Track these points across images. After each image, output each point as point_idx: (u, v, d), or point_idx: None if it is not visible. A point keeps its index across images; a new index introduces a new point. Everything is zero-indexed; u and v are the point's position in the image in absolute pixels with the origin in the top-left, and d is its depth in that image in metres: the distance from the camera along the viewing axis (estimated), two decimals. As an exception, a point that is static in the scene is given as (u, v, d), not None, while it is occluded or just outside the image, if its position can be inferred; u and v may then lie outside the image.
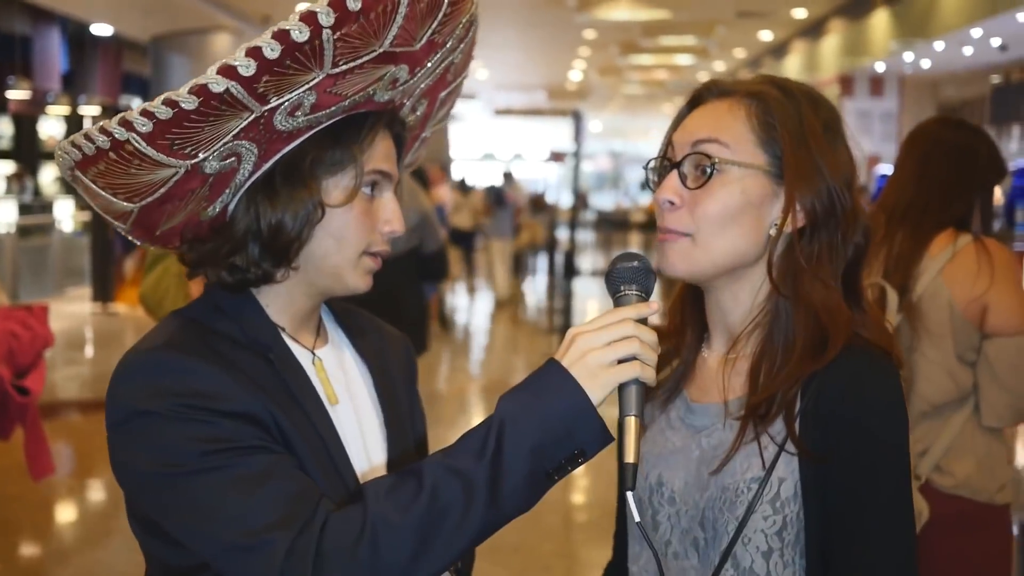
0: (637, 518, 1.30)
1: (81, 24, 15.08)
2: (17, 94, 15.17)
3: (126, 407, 1.35)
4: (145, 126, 1.27)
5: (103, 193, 1.38)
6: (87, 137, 1.31)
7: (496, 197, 15.76)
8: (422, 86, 1.54)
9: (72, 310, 13.13)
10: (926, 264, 2.68)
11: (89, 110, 16.01)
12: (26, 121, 16.42)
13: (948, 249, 2.67)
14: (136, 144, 1.29)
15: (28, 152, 16.58)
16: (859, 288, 1.48)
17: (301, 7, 1.26)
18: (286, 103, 1.33)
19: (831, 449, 1.36)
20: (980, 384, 2.65)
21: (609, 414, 1.31)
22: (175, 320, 1.47)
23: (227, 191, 1.42)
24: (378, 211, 1.49)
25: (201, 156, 1.33)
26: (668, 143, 1.52)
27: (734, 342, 1.50)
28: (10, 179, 15.27)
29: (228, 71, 1.25)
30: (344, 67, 1.33)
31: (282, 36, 1.25)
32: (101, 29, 15.31)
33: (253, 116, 1.32)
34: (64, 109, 16.41)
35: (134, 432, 1.35)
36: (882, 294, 2.67)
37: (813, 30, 17.80)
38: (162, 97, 1.26)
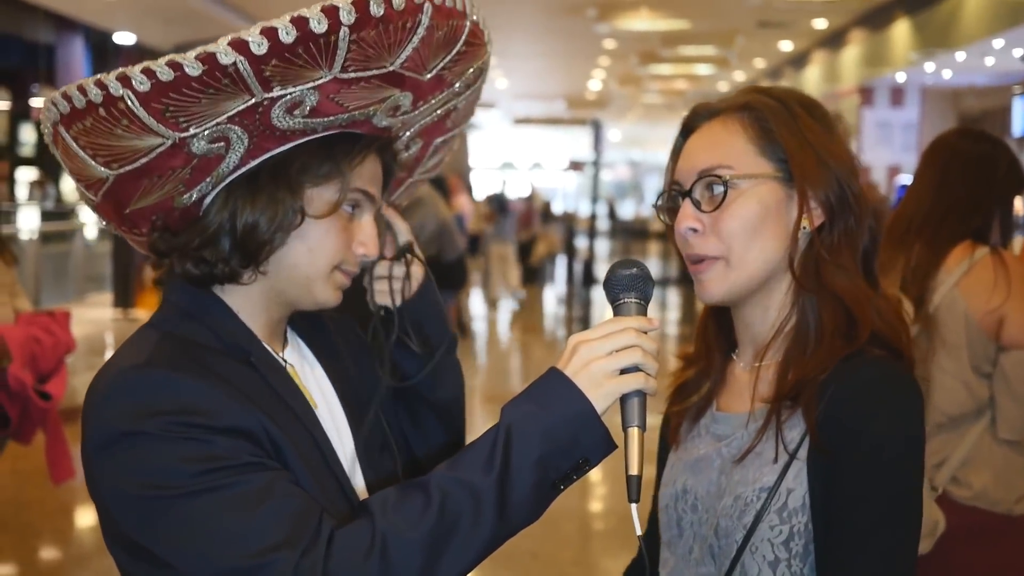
0: (640, 531, 1.30)
1: (104, 33, 15.18)
2: (41, 102, 15.28)
3: (110, 429, 1.29)
4: (143, 84, 1.23)
5: (81, 153, 1.33)
6: (80, 89, 1.27)
7: (498, 204, 15.87)
8: (422, 121, 1.54)
9: (93, 316, 13.20)
10: (943, 276, 2.68)
11: (111, 118, 16.11)
12: (49, 128, 16.54)
13: (965, 261, 2.67)
14: (129, 102, 1.25)
15: (51, 159, 16.66)
16: (875, 273, 1.50)
17: (335, 0, 1.25)
18: (288, 97, 1.31)
19: (840, 454, 1.37)
20: (996, 396, 2.64)
21: (614, 422, 1.30)
22: (149, 333, 1.42)
23: (208, 179, 1.38)
24: (355, 231, 1.47)
25: (192, 131, 1.29)
26: (673, 177, 1.53)
27: (763, 352, 1.50)
28: (33, 186, 15.38)
29: (239, 45, 1.23)
30: (352, 74, 1.31)
31: (300, 23, 1.23)
32: (124, 38, 15.42)
33: (253, 101, 1.29)
34: (87, 117, 16.51)
35: (120, 454, 1.29)
36: (898, 305, 2.66)
37: (833, 40, 17.76)
38: (167, 58, 1.23)
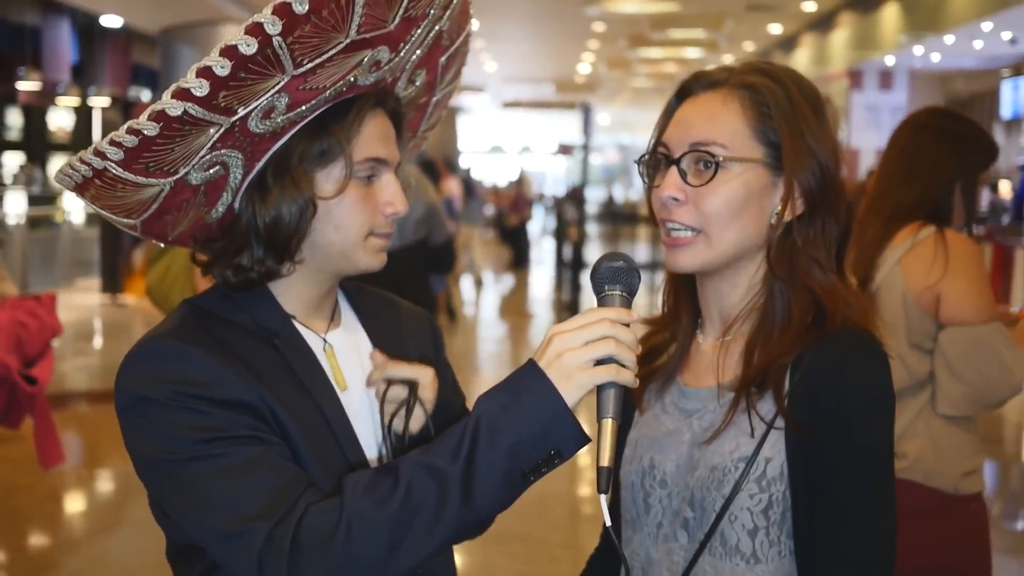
0: (609, 522, 1.31)
1: (91, 15, 15.11)
2: (27, 85, 15.22)
3: (130, 393, 1.38)
4: (116, 154, 1.30)
5: (104, 212, 1.42)
6: (72, 167, 1.34)
7: (466, 187, 15.91)
8: (412, 58, 1.53)
9: (81, 301, 13.16)
10: (887, 254, 2.71)
11: (99, 101, 16.06)
12: (36, 112, 16.47)
13: (909, 240, 2.69)
14: (114, 171, 1.32)
15: (38, 143, 16.62)
16: (843, 266, 1.51)
17: (255, 16, 1.26)
18: (256, 110, 1.33)
19: (818, 426, 1.38)
20: (936, 373, 2.66)
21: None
22: (185, 307, 1.48)
23: (224, 194, 1.43)
24: (378, 194, 1.48)
25: (181, 172, 1.35)
26: (660, 137, 1.52)
27: (728, 326, 1.51)
28: (19, 170, 15.32)
29: (182, 94, 1.26)
30: (309, 65, 1.32)
31: (230, 52, 1.25)
32: (111, 20, 15.35)
33: (223, 129, 1.32)
34: (74, 100, 16.45)
35: (136, 418, 1.38)
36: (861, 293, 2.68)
37: (823, 23, 17.76)
38: (126, 126, 1.28)
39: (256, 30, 1.25)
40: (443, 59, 1.62)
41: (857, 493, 1.38)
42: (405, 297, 1.75)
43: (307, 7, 1.25)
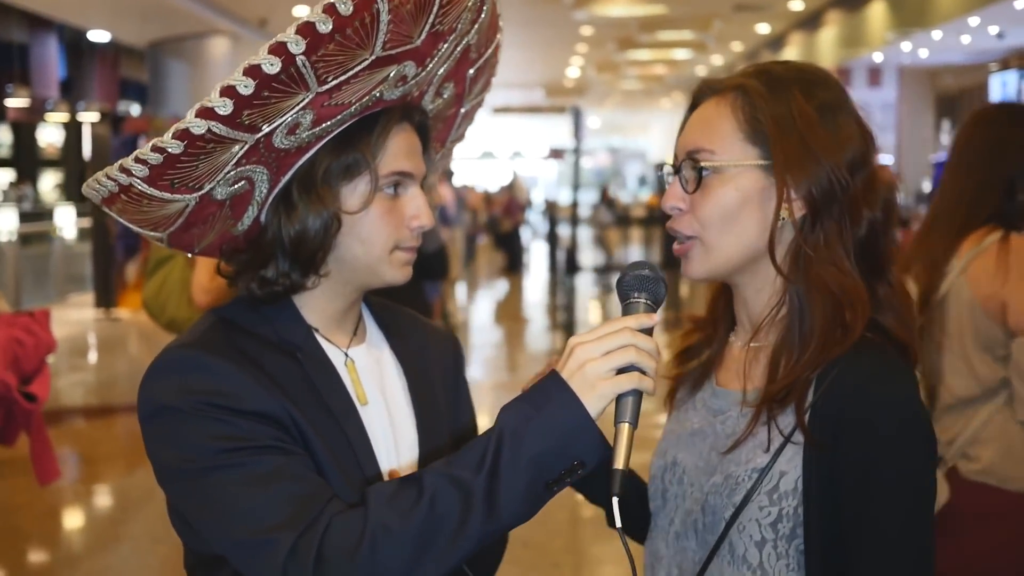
0: (619, 524, 1.30)
1: (78, 31, 15.11)
2: (16, 102, 15.20)
3: (154, 402, 1.39)
4: (141, 171, 1.31)
5: (131, 226, 1.44)
6: (98, 182, 1.35)
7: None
8: (440, 72, 1.53)
9: (75, 316, 13.13)
10: (954, 263, 2.67)
11: (88, 116, 16.03)
12: (25, 129, 16.45)
13: (974, 247, 2.65)
14: (139, 187, 1.33)
15: (28, 160, 16.59)
16: (881, 263, 1.46)
17: (283, 33, 1.26)
18: (280, 126, 1.34)
19: (839, 447, 1.36)
20: (1012, 380, 2.64)
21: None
22: (210, 318, 1.50)
23: (250, 207, 1.45)
24: (403, 208, 1.49)
25: (207, 187, 1.36)
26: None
27: (756, 331, 1.50)
28: (10, 187, 15.29)
29: (206, 112, 1.27)
30: (334, 82, 1.32)
31: (254, 71, 1.25)
32: (98, 35, 15.34)
33: (248, 145, 1.33)
34: (63, 116, 16.44)
35: (160, 427, 1.39)
36: (904, 291, 2.67)
37: (810, 22, 17.79)
38: (151, 143, 1.29)
39: (279, 49, 1.25)
40: (471, 71, 1.62)
41: (894, 523, 1.34)
42: (400, 304, 1.75)
43: (331, 27, 1.26)
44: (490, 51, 1.62)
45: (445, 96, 1.61)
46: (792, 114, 1.42)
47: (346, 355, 1.54)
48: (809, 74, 1.48)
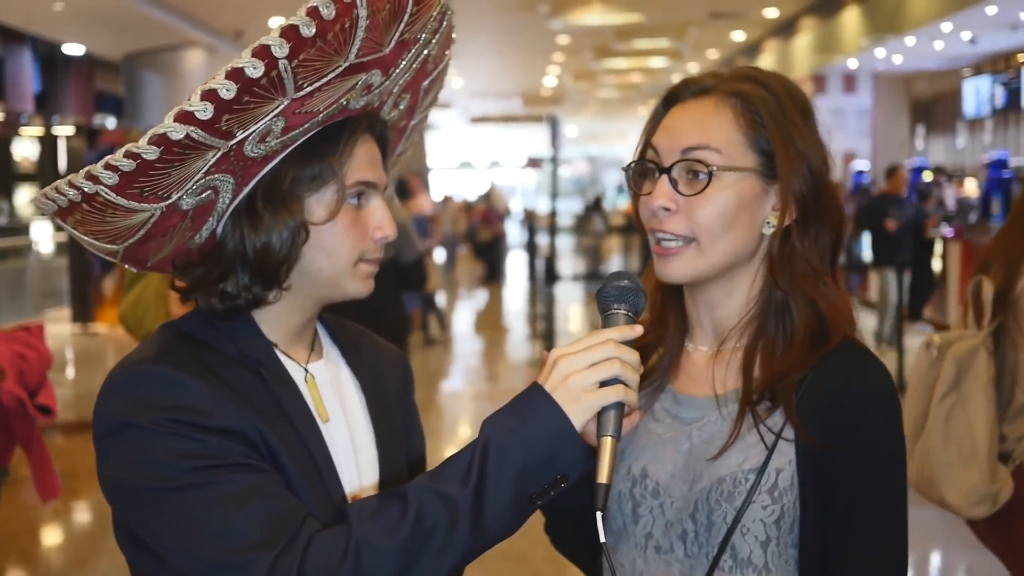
0: (603, 538, 1.30)
1: (52, 44, 15.02)
2: (-11, 118, 15.07)
3: (112, 419, 1.33)
4: (111, 178, 1.27)
5: (85, 238, 1.38)
6: (58, 191, 1.31)
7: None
8: (401, 82, 1.52)
9: (52, 331, 12.97)
10: None
11: (63, 130, 15.94)
12: None
13: None
14: (106, 195, 1.29)
15: (3, 174, 16.48)
16: (836, 269, 1.51)
17: (263, 39, 1.25)
18: (253, 133, 1.32)
19: (833, 438, 1.38)
20: None
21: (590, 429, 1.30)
22: (167, 332, 1.45)
23: (210, 219, 1.41)
24: (367, 219, 1.47)
25: (174, 197, 1.33)
26: (648, 144, 1.51)
27: (724, 336, 1.50)
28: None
29: (186, 117, 1.24)
30: (309, 89, 1.31)
31: (236, 75, 1.23)
32: (73, 49, 15.26)
33: (221, 152, 1.31)
34: (38, 130, 16.33)
35: (120, 444, 1.33)
36: (979, 288, 2.70)
37: (785, 29, 17.90)
38: (123, 149, 1.26)
39: (263, 52, 1.23)
40: (426, 83, 1.61)
41: (878, 502, 1.40)
42: (377, 317, 1.74)
43: (314, 30, 1.24)
44: (443, 65, 1.62)
45: (401, 107, 1.60)
46: (788, 122, 1.45)
47: (306, 371, 1.50)
48: (787, 80, 1.51)
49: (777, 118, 1.44)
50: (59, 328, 13.28)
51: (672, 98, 1.51)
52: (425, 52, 1.50)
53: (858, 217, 11.61)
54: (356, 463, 1.51)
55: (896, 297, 10.02)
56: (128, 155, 1.25)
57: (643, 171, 1.50)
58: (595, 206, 21.57)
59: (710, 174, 1.42)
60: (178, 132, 1.25)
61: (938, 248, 11.95)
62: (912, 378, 2.78)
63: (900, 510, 1.42)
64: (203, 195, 1.36)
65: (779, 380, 1.41)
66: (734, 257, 1.46)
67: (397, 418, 1.61)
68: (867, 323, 12.69)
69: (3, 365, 3.40)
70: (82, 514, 6.39)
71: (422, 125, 1.76)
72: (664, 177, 1.45)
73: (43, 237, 14.63)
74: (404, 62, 1.46)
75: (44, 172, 17.00)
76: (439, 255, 12.44)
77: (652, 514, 1.49)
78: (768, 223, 1.45)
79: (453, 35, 1.58)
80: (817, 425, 1.39)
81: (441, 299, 12.87)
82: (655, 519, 1.48)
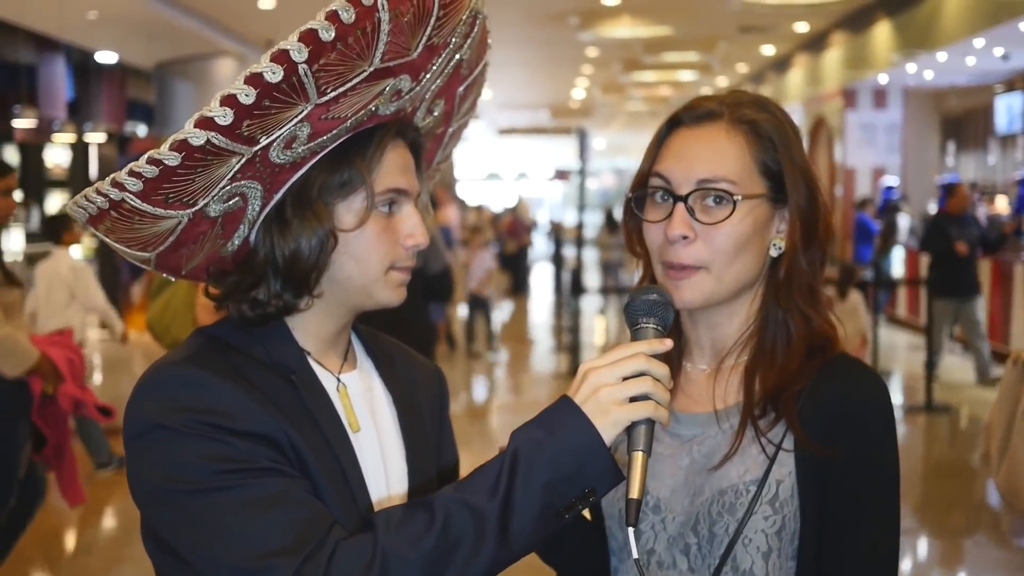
0: (636, 554, 1.30)
1: (86, 52, 15.17)
2: (23, 123, 15.23)
3: (142, 420, 1.34)
4: (135, 185, 1.27)
5: (117, 245, 1.39)
6: (87, 198, 1.32)
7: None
8: (432, 87, 1.51)
9: (80, 337, 13.11)
10: None
11: (95, 137, 16.07)
12: (32, 149, 16.48)
13: None
14: (132, 202, 1.29)
15: (35, 180, 16.62)
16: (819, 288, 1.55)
17: (281, 44, 1.24)
18: (278, 139, 1.31)
19: (831, 446, 1.40)
20: None
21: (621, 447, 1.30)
22: (200, 337, 1.45)
23: (241, 226, 1.41)
24: (398, 226, 1.46)
25: (201, 203, 1.33)
26: (653, 170, 1.50)
27: (724, 355, 1.52)
28: (17, 207, 15.32)
29: (206, 123, 1.24)
30: (333, 94, 1.30)
31: (255, 80, 1.23)
32: (105, 57, 15.40)
33: (245, 158, 1.30)
34: (70, 137, 16.47)
35: (148, 445, 1.33)
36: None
37: (815, 43, 17.82)
38: (146, 156, 1.26)
39: (282, 57, 1.23)
40: (461, 89, 1.60)
41: (874, 507, 1.42)
42: (404, 327, 1.74)
43: (333, 34, 1.24)
44: (479, 69, 1.61)
45: (435, 114, 1.59)
46: (791, 147, 1.48)
47: (338, 380, 1.50)
48: (776, 104, 1.54)
49: (787, 145, 1.47)
50: (88, 333, 13.36)
51: (676, 121, 1.51)
52: (457, 56, 1.49)
53: (923, 239, 10.72)
54: (385, 474, 1.50)
55: (979, 327, 9.78)
56: (151, 161, 1.26)
57: (643, 195, 1.50)
58: (609, 220, 21.43)
59: (734, 204, 1.43)
60: (199, 138, 1.25)
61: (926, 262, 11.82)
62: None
63: (892, 517, 1.44)
64: (231, 202, 1.36)
65: (781, 392, 1.43)
66: (743, 281, 1.48)
67: (429, 432, 1.61)
68: (895, 340, 12.55)
69: (60, 367, 3.45)
70: (107, 520, 6.42)
71: (462, 132, 1.75)
72: (681, 205, 1.45)
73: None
74: (435, 67, 1.45)
75: (75, 179, 17.15)
76: (483, 265, 12.37)
77: (654, 530, 1.49)
78: (775, 245, 1.49)
79: (489, 40, 1.57)
80: (816, 434, 1.41)
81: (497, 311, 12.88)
82: (657, 535, 1.49)
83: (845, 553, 1.41)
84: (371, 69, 1.32)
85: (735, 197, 1.43)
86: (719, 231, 1.44)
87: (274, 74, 1.23)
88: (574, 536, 1.56)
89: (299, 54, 1.23)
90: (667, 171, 1.48)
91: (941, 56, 13.98)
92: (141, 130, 18.07)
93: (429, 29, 1.36)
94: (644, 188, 1.50)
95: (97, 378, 11.00)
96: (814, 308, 1.49)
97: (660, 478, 1.50)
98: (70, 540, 6.08)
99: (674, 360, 1.56)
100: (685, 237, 1.44)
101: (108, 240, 1.38)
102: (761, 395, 1.44)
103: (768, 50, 19.18)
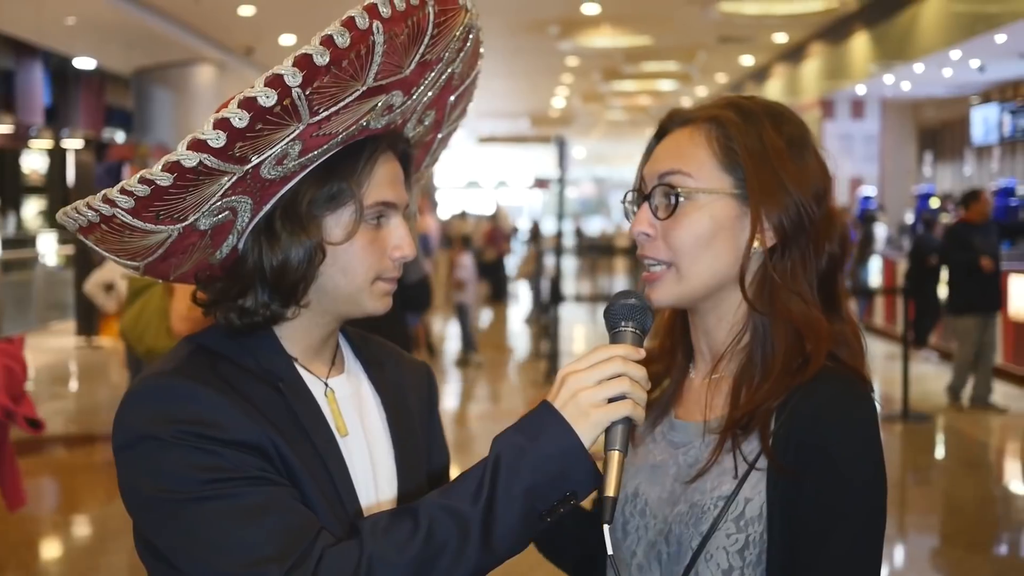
0: (611, 551, 1.30)
1: (64, 58, 15.09)
2: (0, 128, 15.14)
3: (131, 431, 1.35)
4: (126, 202, 1.28)
5: (107, 255, 1.40)
6: (77, 211, 1.32)
7: None
8: (424, 100, 1.52)
9: (56, 344, 13.05)
10: None
11: (72, 143, 16.00)
12: (9, 155, 16.42)
13: None
14: (123, 218, 1.30)
15: (11, 186, 16.55)
16: (837, 298, 1.49)
17: (280, 65, 1.24)
18: (269, 157, 1.32)
19: (802, 469, 1.37)
20: None
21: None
22: (188, 346, 1.46)
23: (230, 236, 1.42)
24: (386, 238, 1.47)
25: (191, 219, 1.34)
26: (640, 176, 1.53)
27: (717, 362, 1.51)
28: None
29: (199, 145, 1.25)
30: (325, 113, 1.31)
31: (249, 104, 1.24)
32: (84, 63, 15.33)
33: (236, 177, 1.31)
34: (47, 143, 16.41)
35: (138, 456, 1.34)
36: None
37: (794, 54, 17.93)
38: (138, 175, 1.27)
39: (276, 82, 1.24)
40: (452, 98, 1.61)
41: (850, 541, 1.36)
42: (380, 335, 1.74)
43: (328, 59, 1.24)
44: (471, 78, 1.62)
45: (426, 123, 1.60)
46: (765, 145, 1.44)
47: (326, 385, 1.51)
48: (776, 109, 1.51)
49: (750, 142, 1.44)
50: (63, 341, 13.29)
51: (662, 130, 1.54)
52: (449, 70, 1.50)
53: (943, 251, 10.12)
54: (374, 478, 1.51)
55: (975, 346, 9.31)
56: (142, 181, 1.26)
57: (637, 201, 1.53)
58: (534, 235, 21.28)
59: (678, 196, 1.43)
60: (191, 160, 1.25)
61: (944, 275, 11.87)
62: None
63: (867, 547, 1.37)
64: (220, 216, 1.37)
65: (757, 407, 1.41)
66: (716, 280, 1.46)
67: (418, 433, 1.62)
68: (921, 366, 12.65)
69: None
70: (81, 528, 6.38)
71: (449, 139, 1.76)
72: (645, 204, 1.47)
73: (49, 250, 14.66)
74: (427, 81, 1.46)
75: (52, 185, 17.07)
76: (467, 271, 12.38)
77: (638, 533, 1.50)
78: (755, 248, 1.45)
79: (481, 50, 1.58)
80: (788, 455, 1.37)
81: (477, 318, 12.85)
82: (640, 538, 1.50)
83: None
84: (364, 88, 1.33)
85: (677, 190, 1.44)
86: (673, 226, 1.44)
87: (268, 98, 1.24)
88: (569, 529, 1.58)
89: (293, 79, 1.24)
90: (644, 172, 1.51)
91: (918, 67, 14.10)
92: (119, 136, 18.00)
93: (423, 47, 1.37)
94: (633, 193, 1.53)
95: (73, 385, 10.93)
96: (799, 319, 1.43)
97: (651, 483, 1.51)
98: (44, 548, 6.03)
99: (682, 367, 1.57)
100: (647, 235, 1.46)
101: (98, 249, 1.40)
102: (741, 411, 1.42)
103: (747, 60, 19.29)
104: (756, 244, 1.44)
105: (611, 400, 1.30)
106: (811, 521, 1.36)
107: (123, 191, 1.28)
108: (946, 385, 9.60)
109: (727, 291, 1.48)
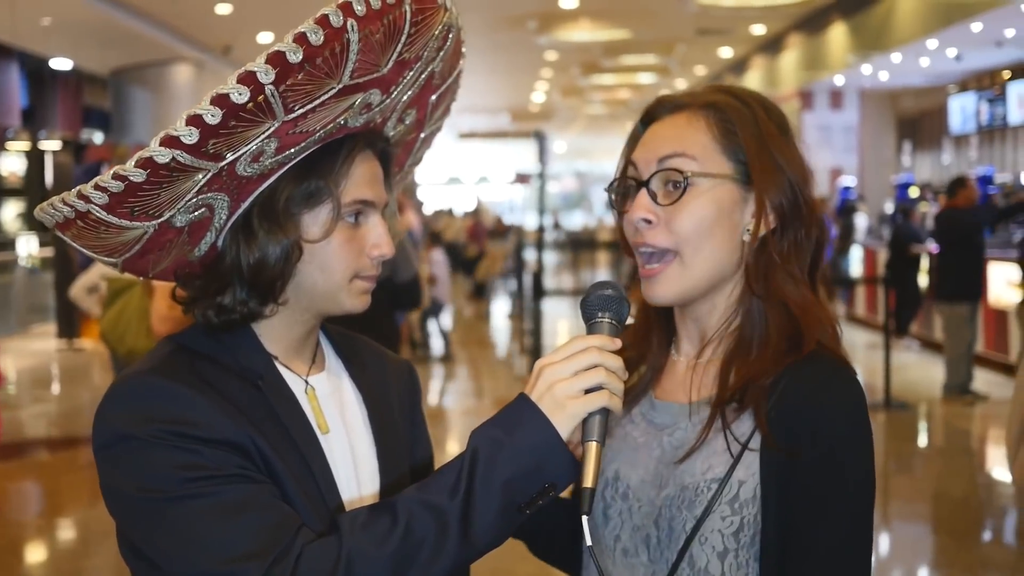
0: (589, 542, 1.30)
1: (40, 59, 14.98)
2: (-24, 131, 15.02)
3: (111, 431, 1.35)
4: (101, 198, 1.29)
5: (84, 251, 1.41)
6: (53, 207, 1.33)
7: None
8: (404, 99, 1.51)
9: (37, 347, 12.98)
10: None
11: (50, 145, 15.90)
12: (-14, 158, 16.29)
13: None
14: (97, 213, 1.31)
15: (-11, 188, 16.42)
16: (816, 283, 1.51)
17: (253, 62, 1.24)
18: (244, 154, 1.32)
19: (794, 451, 1.37)
20: None
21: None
22: (168, 345, 1.46)
23: (208, 233, 1.42)
24: (364, 236, 1.47)
25: (167, 215, 1.34)
26: (628, 163, 1.52)
27: (705, 345, 1.51)
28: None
29: (171, 141, 1.25)
30: (301, 111, 1.31)
31: (221, 100, 1.24)
32: (60, 63, 15.22)
33: (211, 173, 1.32)
34: (25, 144, 16.30)
35: (117, 456, 1.35)
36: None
37: (772, 46, 17.98)
38: (111, 171, 1.27)
39: (249, 79, 1.24)
40: (433, 97, 1.60)
41: (834, 518, 1.37)
42: (371, 335, 1.74)
43: (301, 56, 1.24)
44: (452, 77, 1.61)
45: (407, 122, 1.60)
46: (761, 130, 1.46)
47: (306, 383, 1.51)
48: (764, 97, 1.53)
49: (750, 126, 1.45)
50: (44, 344, 13.21)
51: (649, 117, 1.53)
52: (429, 69, 1.50)
53: (937, 236, 9.99)
54: (356, 474, 1.52)
55: (968, 335, 9.25)
56: (116, 177, 1.27)
57: (625, 190, 1.51)
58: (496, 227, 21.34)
59: (686, 180, 1.43)
60: (164, 156, 1.25)
61: (924, 263, 11.95)
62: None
63: (860, 528, 1.39)
64: (197, 212, 1.37)
65: (750, 384, 1.41)
66: (717, 268, 1.46)
67: (400, 429, 1.62)
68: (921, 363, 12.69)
69: None
70: (65, 531, 6.35)
71: (433, 138, 1.75)
72: (643, 190, 1.46)
73: (29, 252, 14.57)
74: (406, 80, 1.46)
75: (31, 187, 16.95)
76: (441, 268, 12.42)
77: (621, 517, 1.50)
78: (748, 230, 1.46)
79: (463, 49, 1.57)
80: (782, 435, 1.38)
81: (447, 319, 12.84)
82: (623, 522, 1.49)
83: (807, 561, 1.37)
84: (340, 86, 1.33)
85: (686, 175, 1.43)
86: (678, 212, 1.43)
87: (240, 95, 1.24)
88: (549, 520, 1.58)
89: (266, 76, 1.24)
90: (635, 160, 1.49)
91: (896, 57, 14.15)
92: (98, 137, 17.90)
93: (400, 46, 1.36)
94: (620, 182, 1.51)
95: (55, 388, 10.87)
96: (794, 300, 1.44)
97: (633, 466, 1.50)
98: (28, 552, 6.00)
99: (661, 351, 1.57)
100: (648, 221, 1.44)
101: (75, 245, 1.40)
102: (733, 387, 1.43)
103: (726, 52, 19.32)
104: (761, 228, 1.45)
105: (588, 391, 1.30)
106: (806, 502, 1.37)
107: (97, 187, 1.28)
108: (943, 384, 9.49)
109: (723, 280, 1.48)
